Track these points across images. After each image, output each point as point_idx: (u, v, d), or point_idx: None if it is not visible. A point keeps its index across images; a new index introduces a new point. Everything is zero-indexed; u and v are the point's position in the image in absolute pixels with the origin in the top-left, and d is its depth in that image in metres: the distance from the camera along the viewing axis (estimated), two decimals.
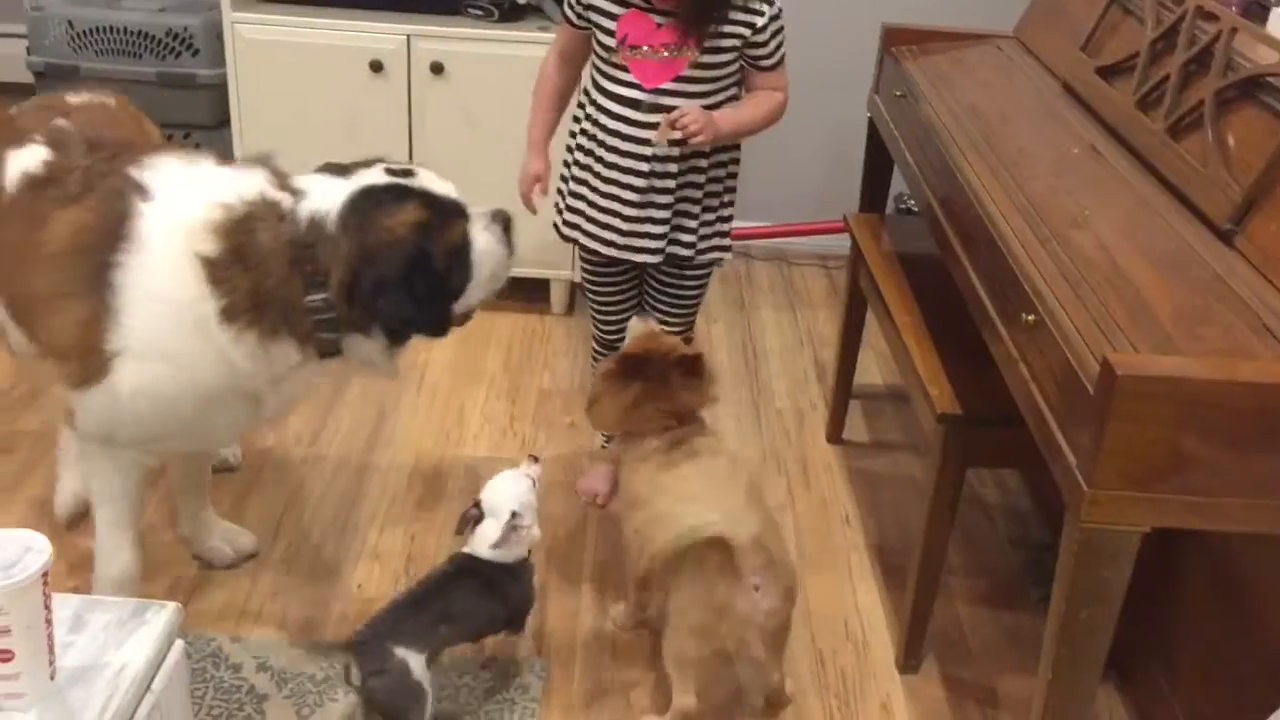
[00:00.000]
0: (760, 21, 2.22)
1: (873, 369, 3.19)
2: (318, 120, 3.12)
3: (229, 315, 1.81)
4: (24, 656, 1.34)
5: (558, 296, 3.42)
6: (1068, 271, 1.71)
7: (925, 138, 2.37)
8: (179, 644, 1.53)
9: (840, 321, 2.87)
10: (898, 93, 2.63)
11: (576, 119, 2.41)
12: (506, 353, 3.19)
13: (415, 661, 1.86)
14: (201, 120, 3.30)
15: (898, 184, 2.90)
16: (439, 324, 1.96)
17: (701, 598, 1.87)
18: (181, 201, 1.84)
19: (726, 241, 2.46)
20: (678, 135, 2.20)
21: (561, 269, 3.33)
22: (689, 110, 2.19)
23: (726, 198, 2.42)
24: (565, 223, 2.45)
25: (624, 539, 2.15)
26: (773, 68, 2.30)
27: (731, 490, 1.97)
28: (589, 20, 2.28)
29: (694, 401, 2.14)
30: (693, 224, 2.35)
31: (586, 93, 2.36)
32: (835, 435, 2.93)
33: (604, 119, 2.29)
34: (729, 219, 2.45)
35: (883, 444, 2.94)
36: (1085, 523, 1.49)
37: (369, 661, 1.85)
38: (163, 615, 1.52)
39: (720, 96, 2.29)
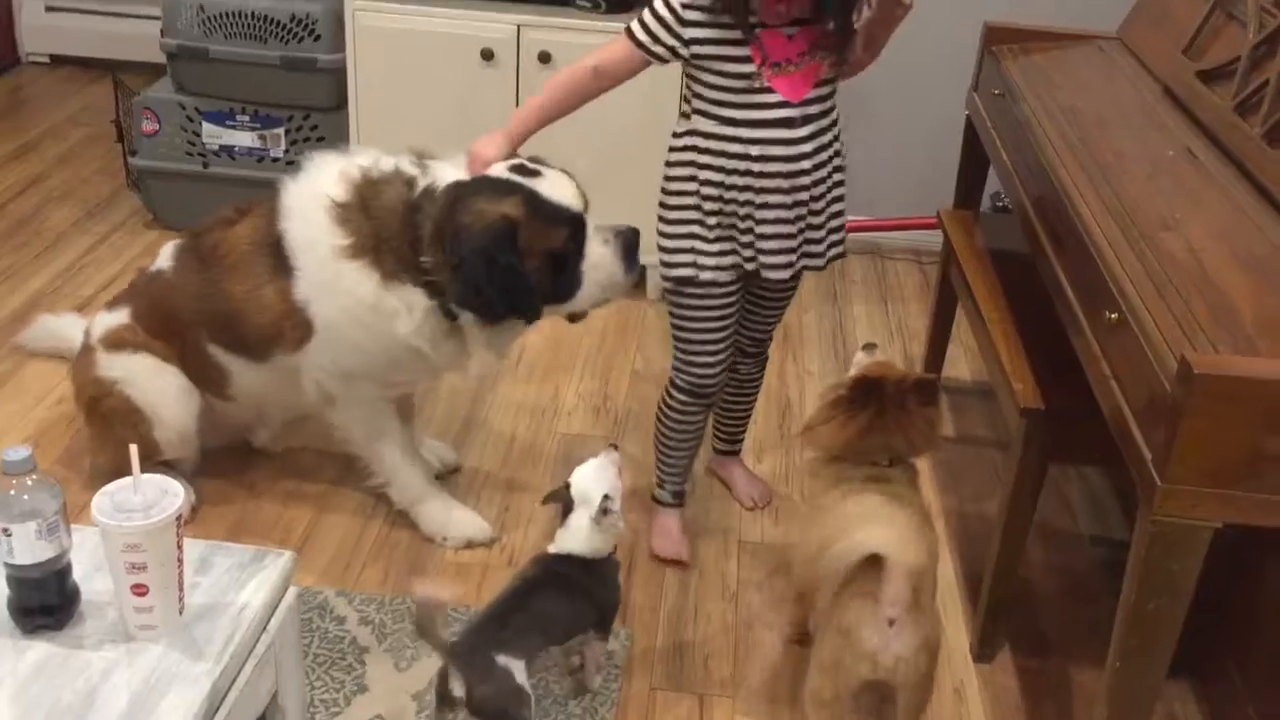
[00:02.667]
0: None
1: (961, 363, 3.22)
2: (430, 104, 3.25)
3: (353, 252, 2.15)
4: (157, 591, 1.47)
5: (653, 282, 3.50)
6: (1154, 272, 1.74)
7: (1021, 137, 2.40)
8: (293, 589, 1.66)
9: (930, 315, 2.91)
10: (996, 91, 2.66)
11: (692, 162, 2.17)
12: (601, 336, 3.28)
13: (517, 669, 1.86)
14: (320, 102, 3.45)
15: (994, 182, 2.92)
16: (515, 311, 2.16)
17: (834, 620, 1.78)
18: (325, 168, 2.23)
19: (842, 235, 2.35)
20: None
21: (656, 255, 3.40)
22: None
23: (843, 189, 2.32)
24: (743, 259, 2.22)
25: (793, 555, 2.18)
26: None
27: (904, 521, 1.81)
28: (701, 58, 2.09)
29: (924, 438, 1.99)
30: (820, 229, 2.25)
31: (704, 135, 2.14)
32: None
33: (755, 149, 2.11)
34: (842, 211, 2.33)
35: (967, 437, 2.97)
36: (1157, 515, 1.53)
37: (474, 672, 1.83)
38: (280, 562, 1.65)
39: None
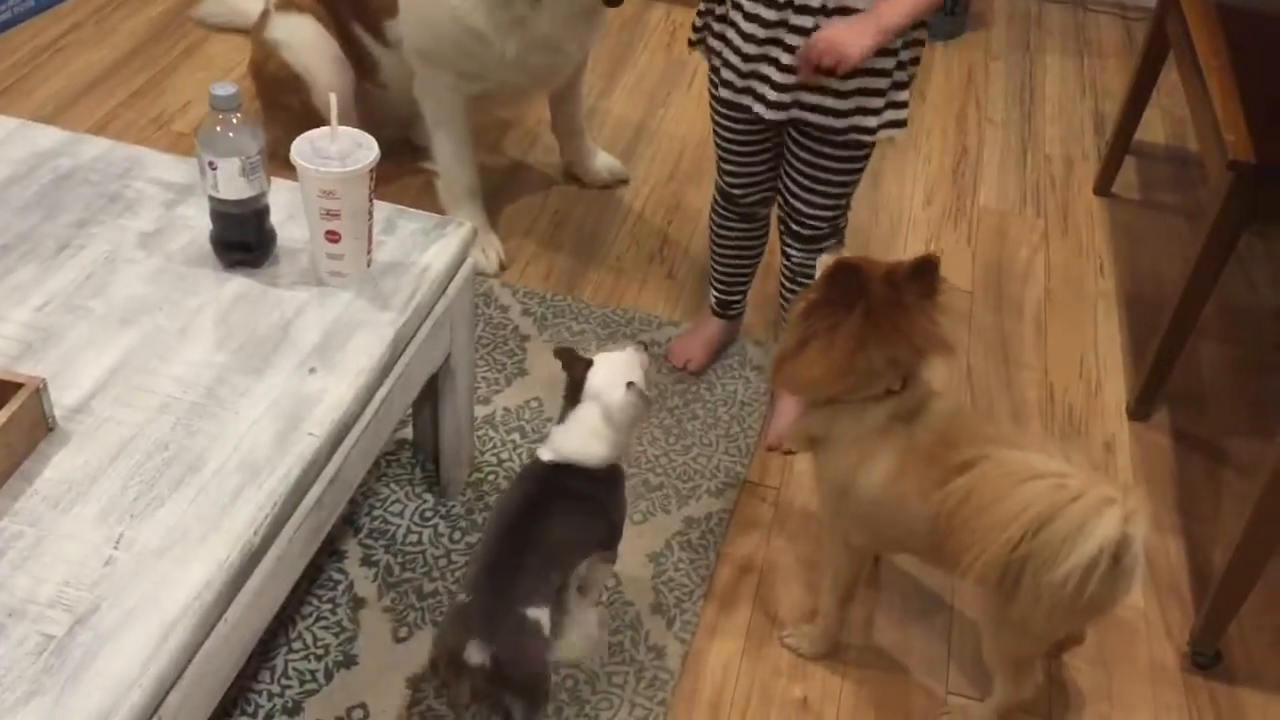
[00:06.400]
0: None
1: (1156, 127, 3.04)
2: None
3: None
4: (348, 240, 1.53)
5: None
6: None
7: None
8: (470, 259, 1.71)
9: (1134, 69, 2.73)
10: None
11: None
12: None
13: (545, 619, 1.49)
14: None
15: None
16: None
17: (1066, 600, 1.36)
18: None
19: (902, 115, 1.81)
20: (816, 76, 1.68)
21: None
22: (820, 38, 1.66)
23: (905, 55, 1.78)
24: (710, 34, 1.88)
25: (827, 545, 1.73)
26: None
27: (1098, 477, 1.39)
28: None
29: (932, 340, 1.51)
30: (840, 86, 1.76)
31: None
32: (1104, 188, 2.84)
33: None
34: (905, 84, 1.80)
35: (1152, 203, 2.83)
36: None
37: (502, 637, 1.44)
38: (460, 231, 1.70)
39: None
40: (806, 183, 1.90)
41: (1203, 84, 2.16)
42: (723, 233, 2.13)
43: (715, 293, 2.23)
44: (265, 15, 2.52)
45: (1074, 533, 1.32)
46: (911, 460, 1.52)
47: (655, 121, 2.93)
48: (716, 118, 1.96)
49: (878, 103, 1.78)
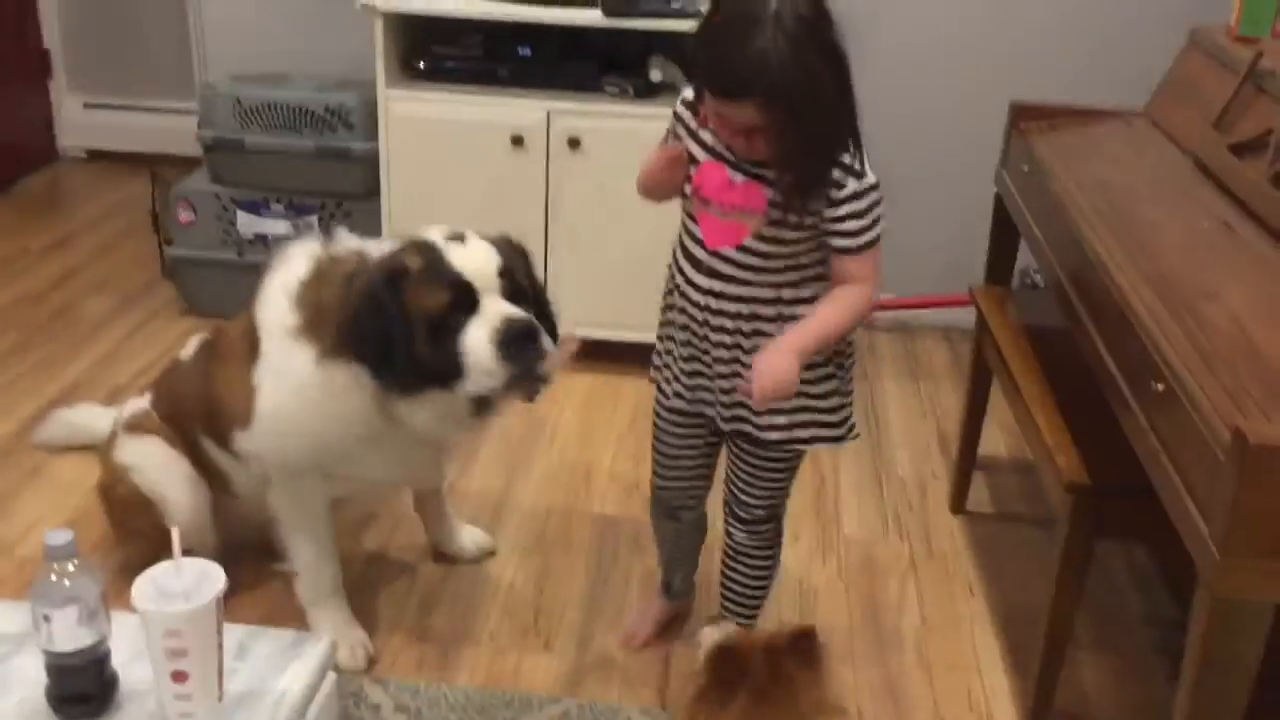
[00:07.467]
0: (837, 196, 1.83)
1: (997, 440, 3.19)
2: (461, 190, 3.29)
3: (300, 330, 2.09)
4: (197, 678, 1.46)
5: None
6: (1198, 341, 1.72)
7: (1053, 212, 2.40)
8: (331, 675, 1.64)
9: (965, 393, 2.89)
10: (1025, 168, 2.66)
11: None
12: (632, 416, 3.27)
13: None
14: (354, 190, 3.49)
15: (1023, 258, 2.92)
16: (389, 365, 2.02)
17: None
18: (299, 251, 2.18)
19: (831, 432, 2.06)
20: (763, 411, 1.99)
21: None
22: (760, 375, 1.85)
23: (829, 373, 2.02)
24: (653, 365, 2.20)
25: None
26: (853, 251, 1.88)
27: None
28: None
29: (822, 708, 1.58)
30: (725, 394, 2.04)
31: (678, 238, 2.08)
32: (959, 505, 2.93)
33: (678, 262, 2.03)
34: (837, 404, 2.06)
35: (1007, 515, 2.93)
36: (1217, 593, 1.49)
37: None
38: (318, 648, 1.64)
39: (794, 274, 1.93)
40: (747, 477, 2.14)
41: (1027, 409, 2.29)
42: (659, 527, 2.38)
43: (664, 574, 2.45)
44: (113, 437, 2.48)
45: None
46: None
47: (518, 488, 2.94)
48: (665, 426, 2.20)
49: (805, 417, 2.03)
